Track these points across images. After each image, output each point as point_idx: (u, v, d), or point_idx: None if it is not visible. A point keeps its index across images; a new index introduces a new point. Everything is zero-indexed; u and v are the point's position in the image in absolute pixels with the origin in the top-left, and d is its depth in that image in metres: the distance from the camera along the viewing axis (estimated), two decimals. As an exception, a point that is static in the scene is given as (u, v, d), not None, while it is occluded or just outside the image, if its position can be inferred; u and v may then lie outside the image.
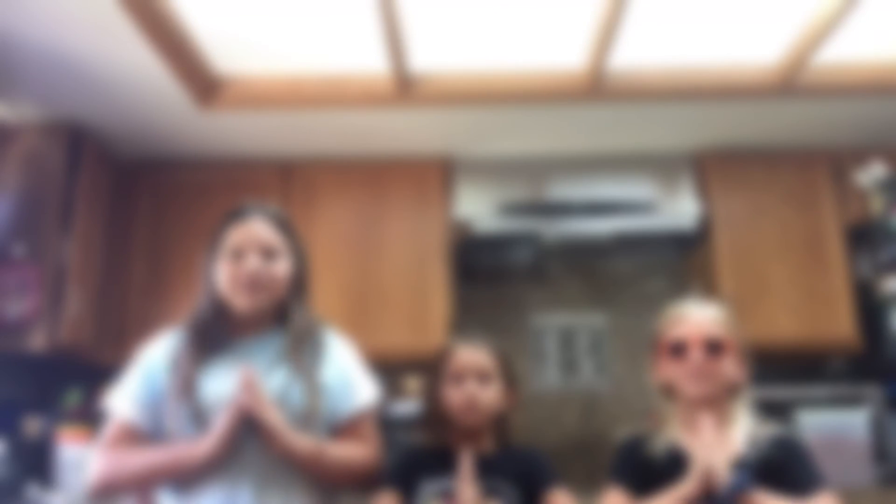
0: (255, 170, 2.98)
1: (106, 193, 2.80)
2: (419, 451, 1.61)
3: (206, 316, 1.52)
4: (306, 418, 1.45)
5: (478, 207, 2.89)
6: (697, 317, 1.53)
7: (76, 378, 2.75)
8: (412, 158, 3.00)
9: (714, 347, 1.48)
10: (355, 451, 1.52)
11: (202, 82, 2.47)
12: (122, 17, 2.04)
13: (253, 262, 1.49)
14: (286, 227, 1.58)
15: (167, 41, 2.20)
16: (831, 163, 2.97)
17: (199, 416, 1.42)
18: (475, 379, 1.54)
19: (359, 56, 2.43)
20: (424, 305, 2.84)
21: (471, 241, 2.95)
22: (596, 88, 2.51)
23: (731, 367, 1.49)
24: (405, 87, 2.51)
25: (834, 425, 2.61)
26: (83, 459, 2.52)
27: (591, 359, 3.19)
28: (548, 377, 3.17)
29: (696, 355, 1.48)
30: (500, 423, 1.59)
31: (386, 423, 2.84)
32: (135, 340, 2.73)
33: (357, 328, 2.83)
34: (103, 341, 2.74)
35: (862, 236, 2.82)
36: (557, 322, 3.23)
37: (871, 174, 2.74)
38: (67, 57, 2.24)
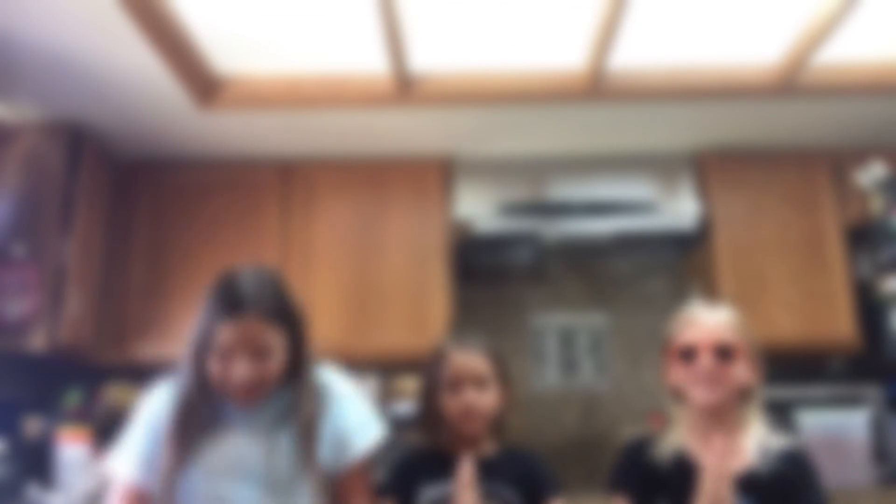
0: (255, 170, 2.99)
1: (106, 193, 2.80)
2: (417, 455, 1.60)
3: (194, 397, 1.42)
4: (295, 479, 1.41)
5: (478, 207, 2.89)
6: (708, 321, 1.51)
7: (76, 378, 2.75)
8: (412, 158, 3.00)
9: (724, 353, 1.46)
10: None
11: (202, 82, 2.47)
12: (122, 17, 2.04)
13: (243, 369, 1.37)
14: (282, 314, 1.43)
15: (167, 41, 2.20)
16: (831, 163, 2.97)
17: (214, 489, 1.38)
18: (472, 385, 1.52)
19: (359, 56, 2.43)
20: (424, 305, 2.84)
21: (471, 241, 2.95)
22: (596, 88, 2.51)
23: (741, 373, 1.47)
24: (405, 87, 2.51)
25: (834, 425, 2.61)
26: (83, 459, 2.53)
27: (591, 359, 3.19)
28: (548, 377, 3.17)
29: (705, 361, 1.46)
30: (497, 424, 1.58)
31: (385, 424, 2.85)
32: (135, 340, 2.77)
33: (357, 328, 2.86)
34: (103, 341, 2.74)
35: (862, 236, 2.82)
36: (557, 322, 3.23)
37: (871, 174, 2.74)
38: (67, 57, 2.24)
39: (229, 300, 1.38)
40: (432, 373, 1.57)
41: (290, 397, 1.46)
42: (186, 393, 1.42)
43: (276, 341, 1.41)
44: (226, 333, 1.37)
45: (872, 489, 2.52)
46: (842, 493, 2.48)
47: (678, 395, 1.54)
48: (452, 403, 1.52)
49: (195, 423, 1.41)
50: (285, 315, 1.44)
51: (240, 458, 1.41)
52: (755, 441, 1.46)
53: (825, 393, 2.69)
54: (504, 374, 1.58)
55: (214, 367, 1.39)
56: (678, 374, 1.51)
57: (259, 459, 1.41)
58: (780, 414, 2.63)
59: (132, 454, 1.44)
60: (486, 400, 1.53)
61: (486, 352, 1.56)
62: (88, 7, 2.00)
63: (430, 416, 1.56)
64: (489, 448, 1.56)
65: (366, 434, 1.51)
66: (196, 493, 1.39)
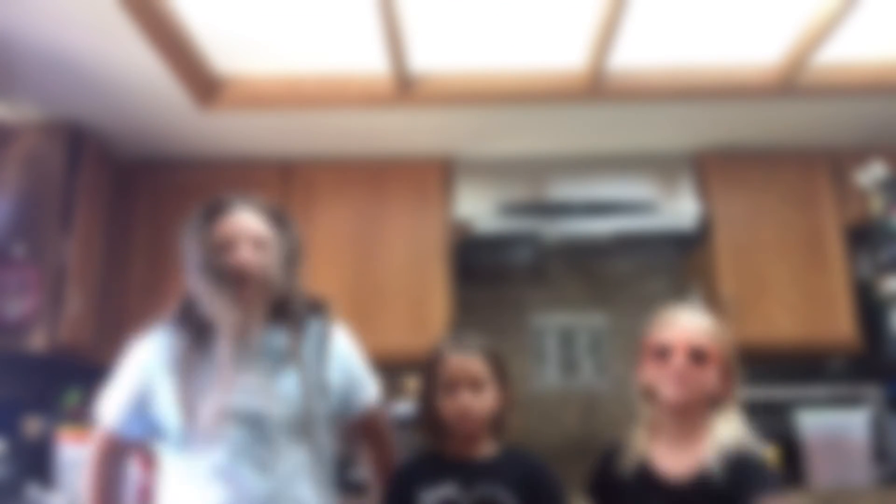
0: (255, 170, 2.98)
1: (106, 193, 2.80)
2: (414, 460, 1.59)
3: (201, 320, 1.48)
4: (308, 421, 1.45)
5: (478, 207, 2.89)
6: (685, 323, 1.52)
7: (76, 378, 2.75)
8: (412, 158, 3.00)
9: (698, 356, 1.48)
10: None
11: (202, 82, 2.47)
12: (122, 17, 2.04)
13: (246, 253, 1.45)
14: (276, 217, 1.56)
15: (167, 41, 2.20)
16: (831, 163, 2.97)
17: (221, 424, 1.39)
18: (468, 388, 1.51)
19: (359, 56, 2.43)
20: (424, 305, 2.84)
21: (471, 241, 2.95)
22: (596, 88, 2.51)
23: (712, 379, 1.48)
24: (405, 87, 2.51)
25: (834, 425, 2.61)
26: (83, 459, 2.53)
27: (591, 359, 3.18)
28: (548, 377, 3.17)
29: (678, 360, 1.47)
30: (497, 424, 1.57)
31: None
32: (135, 340, 2.76)
33: (357, 328, 2.83)
34: (103, 341, 2.73)
35: (862, 236, 2.82)
36: (557, 322, 3.23)
37: (871, 174, 2.74)
38: (67, 57, 2.24)
39: (216, 203, 1.50)
40: (429, 374, 1.56)
41: (284, 335, 1.49)
42: (194, 315, 1.47)
43: (270, 239, 1.50)
44: (220, 228, 1.47)
45: (872, 489, 2.52)
46: (842, 493, 2.48)
47: (649, 395, 1.55)
48: (448, 405, 1.51)
49: (197, 363, 1.44)
50: (279, 220, 1.54)
51: (242, 401, 1.42)
52: (716, 445, 1.46)
53: (825, 393, 2.69)
54: (503, 375, 1.57)
55: (229, 256, 1.44)
56: (651, 372, 1.53)
57: (261, 402, 1.42)
58: (781, 414, 2.63)
59: (116, 402, 1.49)
60: (482, 402, 1.51)
61: (482, 353, 1.55)
62: (88, 7, 2.01)
63: (428, 417, 1.56)
64: (488, 449, 1.55)
65: (373, 382, 1.65)
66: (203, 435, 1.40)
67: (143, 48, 2.19)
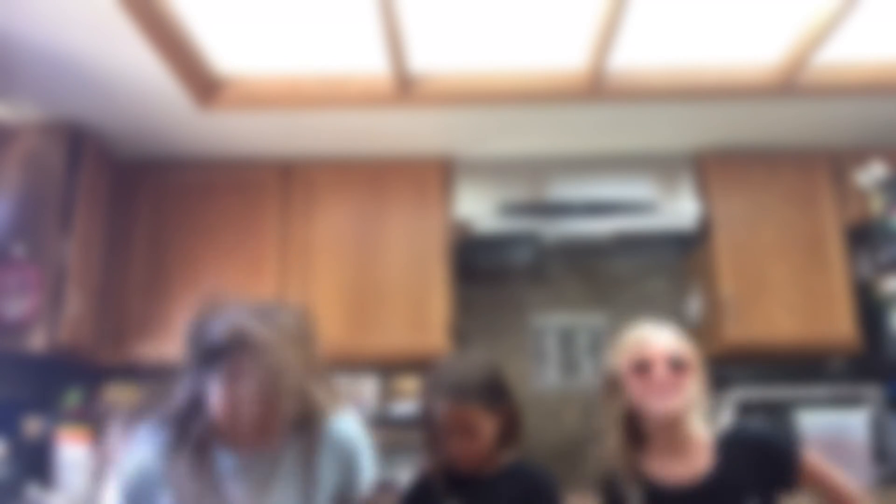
0: (255, 170, 2.98)
1: (106, 193, 2.80)
2: (426, 479, 1.59)
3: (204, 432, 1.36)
4: None
5: (478, 207, 2.89)
6: (659, 337, 1.56)
7: (76, 378, 2.75)
8: (412, 158, 3.00)
9: (678, 365, 1.51)
10: None
11: (202, 82, 2.47)
12: (122, 17, 2.04)
13: (250, 401, 1.31)
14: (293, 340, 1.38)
15: (167, 41, 2.20)
16: (831, 163, 2.97)
17: None
18: (461, 435, 1.49)
19: (359, 56, 2.43)
20: (424, 305, 2.84)
21: (471, 241, 2.95)
22: (596, 88, 2.51)
23: (694, 385, 1.53)
24: (405, 88, 2.51)
25: (834, 425, 2.61)
26: (83, 459, 2.53)
27: (591, 359, 3.18)
28: (548, 377, 3.17)
29: (660, 371, 1.50)
30: (505, 440, 1.55)
31: (385, 424, 2.85)
32: (135, 340, 2.77)
33: (356, 328, 2.86)
34: (103, 341, 2.74)
35: (862, 236, 2.82)
36: (557, 322, 3.23)
37: (871, 174, 2.74)
38: (67, 57, 2.24)
39: (231, 335, 1.33)
40: (424, 417, 1.54)
41: (298, 448, 1.41)
42: (197, 426, 1.34)
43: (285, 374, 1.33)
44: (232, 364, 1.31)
45: (872, 489, 2.52)
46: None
47: (631, 418, 1.56)
48: (447, 446, 1.51)
49: (204, 466, 1.35)
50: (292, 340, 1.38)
51: None
52: (705, 442, 1.53)
53: (825, 393, 2.69)
54: (502, 400, 1.54)
55: (221, 400, 1.32)
56: (634, 390, 1.54)
57: None
58: (781, 414, 2.63)
59: None
60: (478, 444, 1.50)
61: (476, 397, 1.49)
62: (88, 7, 2.00)
63: (431, 449, 1.56)
64: (497, 464, 1.55)
65: (371, 475, 1.52)
66: None
67: (143, 48, 2.19)
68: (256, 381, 1.30)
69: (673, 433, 1.52)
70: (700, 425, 1.55)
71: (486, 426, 1.50)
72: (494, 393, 1.52)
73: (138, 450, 1.42)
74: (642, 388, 1.52)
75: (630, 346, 1.58)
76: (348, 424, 1.50)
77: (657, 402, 1.50)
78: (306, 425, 1.41)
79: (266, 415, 1.32)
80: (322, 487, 1.42)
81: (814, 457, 1.50)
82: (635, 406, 1.54)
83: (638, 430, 1.56)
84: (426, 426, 1.53)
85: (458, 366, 1.56)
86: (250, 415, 1.30)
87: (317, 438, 1.41)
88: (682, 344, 1.55)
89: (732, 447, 1.51)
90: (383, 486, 1.71)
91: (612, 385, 1.58)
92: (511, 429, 1.56)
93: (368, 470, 1.52)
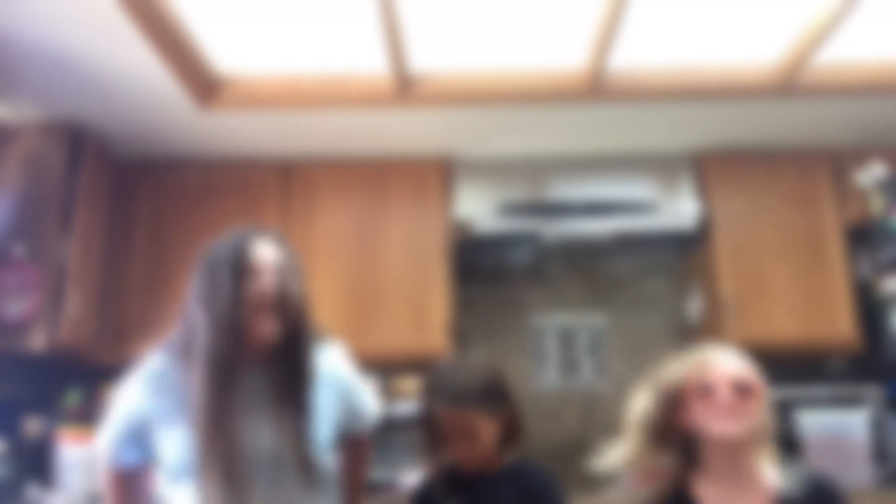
0: (255, 170, 2.98)
1: (106, 193, 2.80)
2: (432, 479, 1.59)
3: (230, 357, 1.38)
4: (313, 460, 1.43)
5: (478, 207, 2.89)
6: (724, 361, 1.49)
7: (76, 378, 2.75)
8: (412, 158, 3.00)
9: (743, 389, 1.44)
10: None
11: (202, 82, 2.47)
12: (122, 17, 2.04)
13: (270, 281, 1.40)
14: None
15: (167, 41, 2.20)
16: (831, 163, 2.97)
17: (235, 470, 1.33)
18: (461, 440, 1.49)
19: (359, 56, 2.43)
20: (424, 305, 2.84)
21: (471, 241, 2.95)
22: (596, 88, 2.51)
23: (759, 412, 1.44)
24: (405, 87, 2.51)
25: (834, 425, 2.61)
26: (83, 459, 2.53)
27: (591, 359, 3.18)
28: (548, 377, 3.17)
29: (724, 394, 1.43)
30: (506, 440, 1.56)
31: (385, 424, 2.85)
32: (135, 340, 2.77)
33: (356, 328, 2.85)
34: (103, 341, 2.74)
35: (862, 236, 2.82)
36: (557, 322, 3.23)
37: (871, 174, 2.74)
38: (67, 57, 2.24)
39: (240, 259, 1.40)
40: (424, 421, 1.54)
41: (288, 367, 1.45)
42: (223, 353, 1.36)
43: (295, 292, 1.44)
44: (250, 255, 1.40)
45: (872, 489, 2.52)
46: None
47: (690, 441, 1.50)
48: (446, 451, 1.51)
49: (231, 385, 1.37)
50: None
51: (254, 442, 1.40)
52: (774, 473, 1.44)
53: (825, 393, 2.69)
54: (503, 402, 1.54)
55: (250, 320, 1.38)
56: (696, 412, 1.47)
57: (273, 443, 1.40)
58: (780, 414, 2.63)
59: (109, 433, 1.49)
60: (479, 447, 1.50)
61: (477, 404, 1.49)
62: (88, 7, 2.00)
63: (431, 452, 1.56)
64: (499, 463, 1.55)
65: (371, 399, 1.64)
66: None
67: (143, 48, 2.19)
68: (271, 281, 1.39)
69: (734, 461, 1.43)
70: (765, 463, 1.46)
71: (487, 430, 1.50)
72: (495, 397, 1.51)
73: (139, 375, 1.49)
74: (705, 410, 1.45)
75: (694, 366, 1.50)
76: (339, 357, 1.59)
77: (721, 424, 1.42)
78: (302, 344, 1.45)
79: (279, 312, 1.40)
80: (320, 416, 1.46)
81: None
82: (694, 428, 1.47)
83: (691, 454, 1.49)
84: (426, 429, 1.53)
85: (458, 370, 1.55)
86: (265, 316, 1.38)
87: (311, 359, 1.46)
88: (747, 369, 1.47)
89: (815, 485, 1.43)
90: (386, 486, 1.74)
91: (671, 402, 1.50)
92: (512, 431, 1.56)
93: (372, 403, 1.64)
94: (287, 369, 1.43)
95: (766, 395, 1.46)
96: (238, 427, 1.36)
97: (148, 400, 1.45)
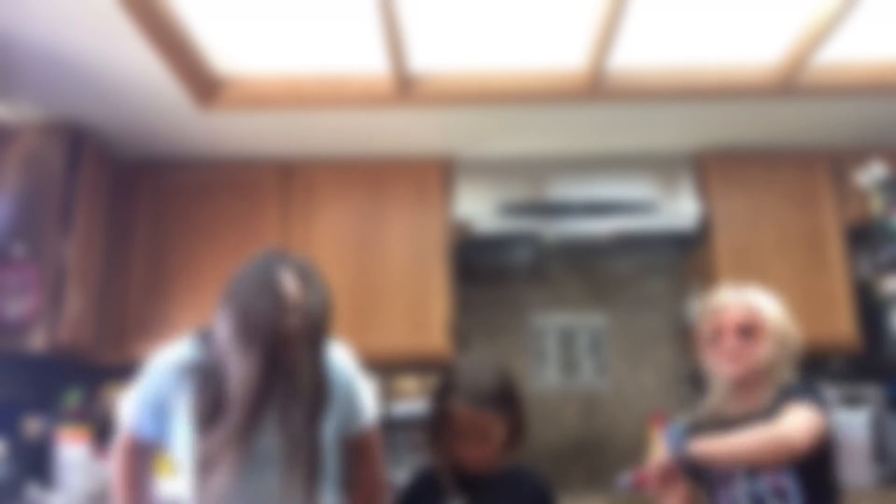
0: (255, 170, 2.98)
1: (106, 193, 2.80)
2: (428, 475, 1.59)
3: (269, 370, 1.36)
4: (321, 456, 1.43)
5: (478, 207, 2.89)
6: (731, 305, 1.67)
7: (76, 378, 2.75)
8: (412, 158, 3.00)
9: (746, 331, 1.63)
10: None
11: (202, 82, 2.47)
12: (122, 17, 2.04)
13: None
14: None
15: (167, 41, 2.20)
16: (831, 163, 2.97)
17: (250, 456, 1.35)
18: (476, 440, 1.50)
19: (359, 56, 2.43)
20: (424, 305, 2.84)
21: (471, 241, 2.95)
22: (596, 88, 2.51)
23: (764, 349, 1.61)
24: (405, 87, 2.51)
25: (834, 425, 2.60)
26: (83, 459, 2.53)
27: (591, 359, 3.19)
28: (548, 377, 3.17)
29: (729, 341, 1.64)
30: (511, 444, 1.56)
31: (385, 425, 2.85)
32: (135, 340, 2.77)
33: (356, 328, 2.85)
34: (103, 341, 2.74)
35: (862, 236, 2.82)
36: (557, 322, 3.23)
37: (871, 174, 2.74)
38: (67, 57, 2.24)
39: (275, 285, 1.42)
40: (435, 419, 1.54)
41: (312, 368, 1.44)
42: (263, 366, 1.35)
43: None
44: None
45: (872, 489, 2.52)
46: (842, 494, 2.48)
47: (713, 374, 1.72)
48: (456, 451, 1.51)
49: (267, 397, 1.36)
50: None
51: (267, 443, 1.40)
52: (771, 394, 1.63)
53: (825, 393, 2.68)
54: (514, 406, 1.54)
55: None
56: (709, 356, 1.70)
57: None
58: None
59: (134, 403, 1.50)
60: (488, 450, 1.51)
61: (495, 406, 1.50)
62: (88, 7, 2.00)
63: (437, 449, 1.56)
64: (498, 466, 1.55)
65: (371, 404, 1.63)
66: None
67: (143, 48, 2.19)
68: (302, 321, 1.42)
69: (745, 392, 1.63)
70: (776, 385, 1.62)
71: (499, 432, 1.51)
72: (508, 399, 1.53)
73: (168, 353, 1.49)
74: (714, 355, 1.68)
75: (707, 314, 1.70)
76: (345, 356, 1.60)
77: (725, 368, 1.64)
78: (320, 351, 1.47)
79: (307, 342, 1.42)
80: (327, 416, 1.45)
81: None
82: (709, 368, 1.71)
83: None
84: (436, 427, 1.53)
85: (475, 370, 1.56)
86: (293, 347, 1.38)
87: (325, 360, 1.47)
88: (753, 309, 1.64)
89: (785, 390, 1.61)
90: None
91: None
92: (518, 433, 1.56)
93: (369, 405, 1.61)
94: (303, 377, 1.42)
95: (776, 329, 1.64)
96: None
97: (172, 389, 1.46)
